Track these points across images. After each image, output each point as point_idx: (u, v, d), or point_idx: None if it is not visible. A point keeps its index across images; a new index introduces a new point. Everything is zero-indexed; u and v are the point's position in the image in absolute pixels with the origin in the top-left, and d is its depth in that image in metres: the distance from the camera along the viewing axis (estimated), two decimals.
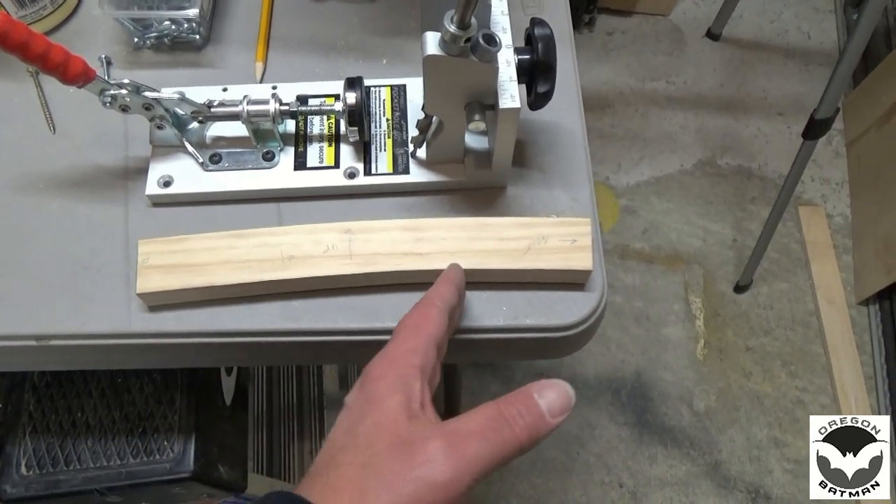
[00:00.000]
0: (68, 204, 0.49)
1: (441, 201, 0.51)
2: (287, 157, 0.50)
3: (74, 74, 0.43)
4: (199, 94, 0.52)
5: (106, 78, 0.52)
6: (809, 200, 1.50)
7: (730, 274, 1.41)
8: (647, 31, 1.72)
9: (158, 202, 0.49)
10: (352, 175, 0.50)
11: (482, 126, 0.44)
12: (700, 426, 1.26)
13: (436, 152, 0.49)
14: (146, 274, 0.45)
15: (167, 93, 0.51)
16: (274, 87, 0.53)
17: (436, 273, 0.46)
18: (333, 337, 0.46)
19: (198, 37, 0.56)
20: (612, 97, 1.60)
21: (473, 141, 0.50)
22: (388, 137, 0.51)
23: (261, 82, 0.55)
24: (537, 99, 0.46)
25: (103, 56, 0.54)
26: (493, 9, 0.46)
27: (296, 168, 0.50)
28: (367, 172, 0.50)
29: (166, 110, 0.48)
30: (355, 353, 0.48)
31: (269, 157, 0.50)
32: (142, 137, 0.51)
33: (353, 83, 0.48)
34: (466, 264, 0.46)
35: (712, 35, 1.70)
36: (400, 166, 0.50)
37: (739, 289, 1.39)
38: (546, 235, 0.47)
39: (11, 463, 0.53)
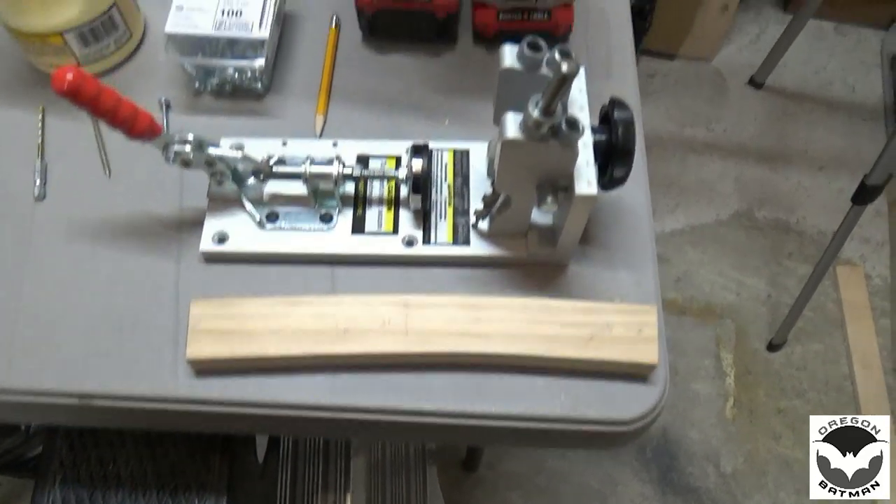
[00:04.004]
0: (120, 254, 0.48)
1: (500, 275, 0.49)
2: (345, 219, 0.49)
3: (141, 130, 0.42)
4: (259, 146, 0.50)
5: (165, 122, 0.52)
6: (848, 259, 1.46)
7: (763, 331, 1.38)
8: (689, 76, 1.70)
9: (211, 258, 0.48)
10: (410, 243, 0.48)
11: (555, 208, 0.43)
12: (726, 489, 1.22)
13: (499, 226, 0.48)
14: (197, 339, 0.43)
15: (228, 147, 0.50)
16: (334, 144, 0.52)
17: (493, 357, 0.45)
18: (382, 416, 0.44)
19: (259, 85, 0.55)
20: (649, 141, 1.57)
21: (538, 216, 0.48)
22: (449, 205, 0.50)
23: (320, 137, 0.53)
24: (612, 182, 0.45)
25: (163, 99, 0.54)
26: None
27: (353, 232, 0.49)
28: (427, 241, 0.48)
29: (227, 166, 0.46)
30: (402, 433, 0.46)
31: (326, 219, 0.49)
32: (197, 187, 0.50)
33: (419, 150, 0.47)
34: (527, 350, 0.44)
35: (755, 83, 1.68)
36: (460, 237, 0.49)
37: (773, 347, 1.35)
38: (610, 323, 0.45)
39: None
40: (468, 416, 0.44)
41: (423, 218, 0.49)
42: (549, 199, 0.42)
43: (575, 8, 0.56)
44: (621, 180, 0.44)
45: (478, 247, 0.48)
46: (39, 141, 0.52)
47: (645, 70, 1.69)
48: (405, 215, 0.49)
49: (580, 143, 0.42)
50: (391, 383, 0.44)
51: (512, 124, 0.39)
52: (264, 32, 0.51)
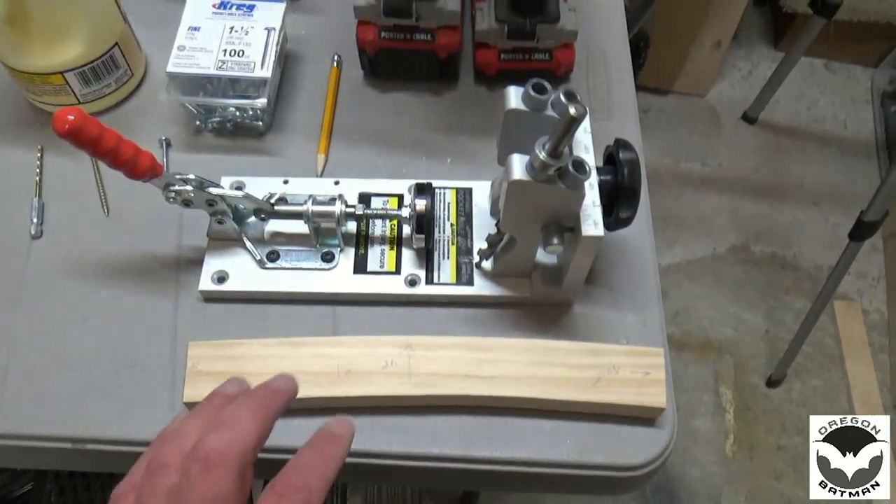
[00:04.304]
0: (117, 293, 0.47)
1: (504, 315, 0.48)
2: (347, 258, 0.48)
3: (142, 170, 0.41)
4: (260, 185, 0.50)
5: (166, 161, 0.51)
6: (845, 294, 1.46)
7: (762, 366, 1.37)
8: (683, 111, 1.72)
9: (211, 298, 0.47)
10: (413, 283, 0.48)
11: (560, 249, 0.42)
12: None
13: (503, 266, 0.47)
14: (195, 381, 0.42)
15: (229, 186, 0.49)
16: (336, 182, 0.51)
17: (498, 399, 0.44)
18: (384, 460, 0.43)
19: (261, 123, 0.54)
20: (646, 175, 1.58)
21: (542, 255, 0.48)
22: (452, 244, 0.49)
23: (321, 175, 0.53)
24: (617, 222, 0.44)
25: (163, 138, 0.53)
26: None
27: (355, 271, 0.48)
28: (430, 281, 0.48)
29: (228, 205, 0.46)
30: (405, 478, 0.45)
31: (328, 258, 0.48)
32: (196, 226, 0.49)
33: (423, 189, 0.47)
34: (533, 392, 0.43)
35: (748, 118, 1.70)
36: (463, 277, 0.48)
37: (772, 383, 1.34)
38: (617, 365, 0.44)
39: None
40: (473, 461, 0.43)
41: (426, 257, 0.49)
42: (555, 239, 0.42)
43: (576, 48, 0.56)
44: (627, 221, 0.44)
45: (481, 287, 0.48)
46: (37, 179, 0.52)
47: (640, 105, 1.70)
48: (408, 254, 0.49)
49: (587, 184, 0.42)
50: (393, 426, 0.43)
51: (518, 166, 0.38)
52: (266, 72, 0.51)
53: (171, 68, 0.51)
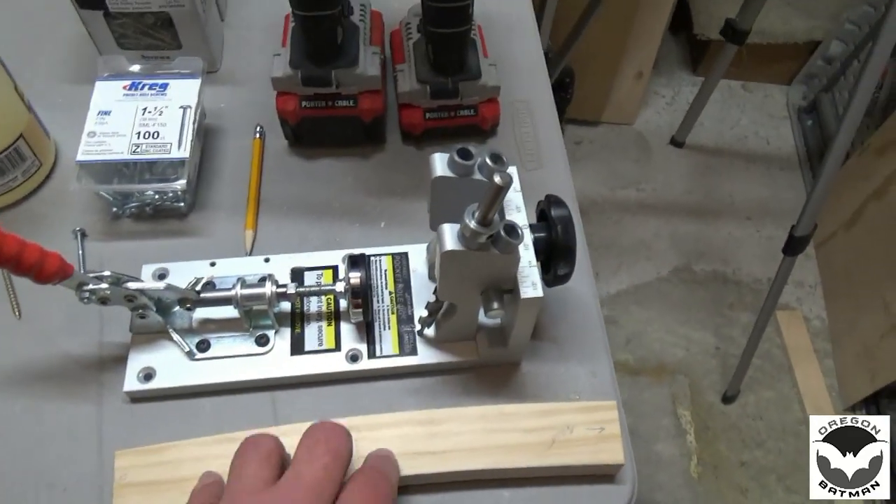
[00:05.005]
0: (34, 404, 0.44)
1: (451, 382, 0.47)
2: (283, 340, 0.46)
3: (50, 273, 0.39)
4: (186, 270, 0.48)
5: (81, 254, 0.49)
6: (786, 304, 1.50)
7: (716, 383, 1.39)
8: (614, 140, 1.76)
9: (138, 398, 0.44)
10: (354, 358, 0.46)
11: (502, 313, 0.41)
12: None
13: (446, 332, 0.46)
14: (124, 495, 0.39)
15: (150, 276, 0.47)
16: (266, 260, 0.49)
17: (452, 474, 0.42)
18: None
19: (182, 204, 0.52)
20: (584, 205, 1.61)
21: (485, 318, 0.47)
22: (393, 313, 0.48)
23: (251, 253, 0.51)
24: (556, 279, 0.44)
25: (78, 229, 0.51)
26: None
27: (293, 352, 0.46)
28: (372, 355, 0.46)
29: (149, 298, 0.43)
30: None
31: (262, 342, 0.46)
32: (118, 320, 0.46)
33: (356, 262, 0.45)
34: (488, 463, 0.42)
35: (676, 142, 1.75)
36: (406, 347, 0.46)
37: (727, 399, 1.36)
38: (571, 424, 0.43)
39: None
40: None
41: (367, 330, 0.47)
42: (496, 304, 0.41)
43: (500, 101, 0.56)
44: (566, 277, 0.43)
45: (426, 355, 0.46)
46: None
47: (572, 137, 1.75)
48: (347, 328, 0.47)
49: (521, 245, 0.41)
50: None
51: (449, 236, 0.37)
52: (184, 152, 0.49)
53: (81, 157, 0.49)
